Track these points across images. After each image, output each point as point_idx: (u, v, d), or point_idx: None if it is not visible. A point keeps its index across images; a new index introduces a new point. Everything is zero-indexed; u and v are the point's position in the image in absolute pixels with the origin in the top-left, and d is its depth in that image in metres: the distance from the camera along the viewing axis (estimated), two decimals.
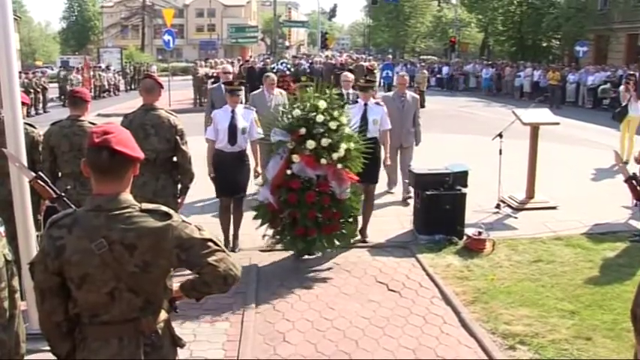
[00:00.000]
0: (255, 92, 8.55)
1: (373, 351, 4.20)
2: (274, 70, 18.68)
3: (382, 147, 6.55)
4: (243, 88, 6.51)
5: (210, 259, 2.01)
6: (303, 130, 5.32)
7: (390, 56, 41.93)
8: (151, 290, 2.05)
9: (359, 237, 6.25)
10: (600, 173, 9.74)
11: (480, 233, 6.22)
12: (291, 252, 5.87)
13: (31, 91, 20.47)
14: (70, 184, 4.55)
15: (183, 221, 2.05)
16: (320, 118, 5.33)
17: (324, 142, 5.30)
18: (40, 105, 21.88)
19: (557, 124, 8.08)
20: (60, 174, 4.79)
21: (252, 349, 4.21)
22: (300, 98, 5.63)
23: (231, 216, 6.14)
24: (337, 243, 5.69)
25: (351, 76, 8.79)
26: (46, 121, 5.37)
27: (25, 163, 3.86)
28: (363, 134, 5.96)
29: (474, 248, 6.09)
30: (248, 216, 5.99)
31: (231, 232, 6.16)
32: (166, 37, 21.40)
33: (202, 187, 5.87)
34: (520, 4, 36.42)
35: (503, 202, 7.66)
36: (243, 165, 6.04)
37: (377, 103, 6.62)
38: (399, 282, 5.39)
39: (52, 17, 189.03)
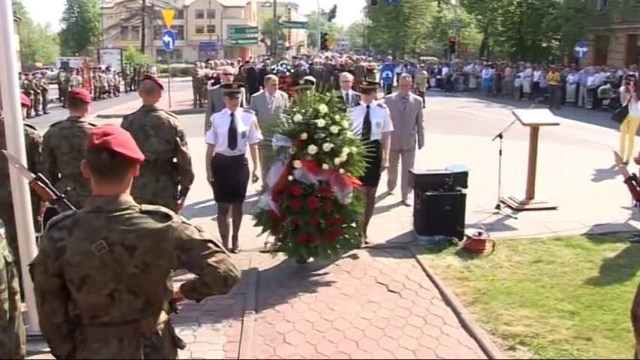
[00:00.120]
0: (256, 94, 8.52)
1: (373, 352, 4.20)
2: (274, 72, 18.68)
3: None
4: (241, 90, 6.42)
5: (211, 260, 2.01)
6: (304, 135, 5.24)
7: (390, 57, 42.01)
8: (151, 291, 2.05)
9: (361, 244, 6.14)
10: (600, 174, 9.74)
11: (480, 234, 6.22)
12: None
13: (31, 92, 20.48)
14: (69, 185, 4.55)
15: (184, 222, 2.06)
16: (321, 122, 5.26)
17: (326, 146, 5.23)
18: (40, 106, 21.89)
19: (557, 124, 8.07)
20: (60, 175, 4.79)
21: (252, 349, 4.21)
22: (300, 102, 5.54)
23: (230, 219, 6.10)
24: (340, 248, 5.62)
25: (350, 77, 8.78)
26: (46, 123, 5.37)
27: (25, 165, 3.86)
28: (366, 137, 5.89)
29: (473, 249, 6.09)
30: (247, 217, 5.99)
31: (231, 233, 6.12)
32: (166, 39, 21.42)
33: (202, 189, 5.86)
34: (520, 4, 36.44)
35: (503, 203, 7.66)
36: (243, 169, 5.99)
37: (379, 106, 6.54)
38: (399, 283, 5.39)
39: (51, 18, 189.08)
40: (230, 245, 6.07)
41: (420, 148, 8.09)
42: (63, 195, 2.54)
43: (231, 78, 8.57)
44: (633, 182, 5.47)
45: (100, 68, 30.06)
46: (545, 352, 4.13)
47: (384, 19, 52.42)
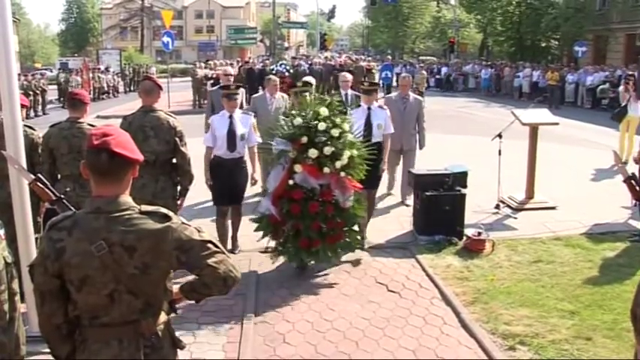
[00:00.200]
0: (256, 95, 8.49)
1: (373, 352, 4.20)
2: (273, 72, 18.68)
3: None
4: (239, 92, 6.32)
5: (210, 261, 2.01)
6: (304, 139, 5.17)
7: (389, 57, 42.02)
8: (150, 292, 2.05)
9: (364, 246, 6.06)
10: (599, 173, 9.75)
11: (479, 234, 6.22)
12: None
13: (30, 93, 20.46)
14: (69, 186, 4.55)
15: (183, 223, 2.06)
16: (322, 126, 5.18)
17: (327, 150, 5.16)
18: (40, 107, 21.87)
19: (557, 124, 8.08)
20: (59, 176, 4.79)
21: (252, 350, 4.21)
22: (300, 106, 5.49)
23: (229, 221, 6.06)
24: (341, 252, 5.57)
25: (349, 77, 8.76)
26: (46, 124, 5.37)
27: (25, 166, 3.86)
28: (367, 139, 5.84)
29: (473, 249, 6.09)
30: (247, 218, 5.99)
31: (230, 234, 6.10)
32: (165, 39, 21.44)
33: (201, 190, 5.85)
34: (519, 4, 36.45)
35: (503, 203, 7.66)
36: (242, 172, 5.93)
37: (380, 107, 6.46)
38: (398, 283, 5.39)
39: (51, 19, 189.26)
40: (229, 246, 6.06)
41: (420, 148, 8.03)
42: (62, 196, 2.54)
43: (232, 79, 8.49)
44: (632, 182, 5.46)
45: (99, 69, 30.06)
46: (545, 352, 4.13)
47: (383, 19, 52.44)
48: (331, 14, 56.95)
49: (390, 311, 4.82)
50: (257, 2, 77.38)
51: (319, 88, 5.60)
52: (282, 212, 5.27)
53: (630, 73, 14.95)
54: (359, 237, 5.73)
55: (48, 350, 2.18)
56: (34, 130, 4.87)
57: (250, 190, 6.21)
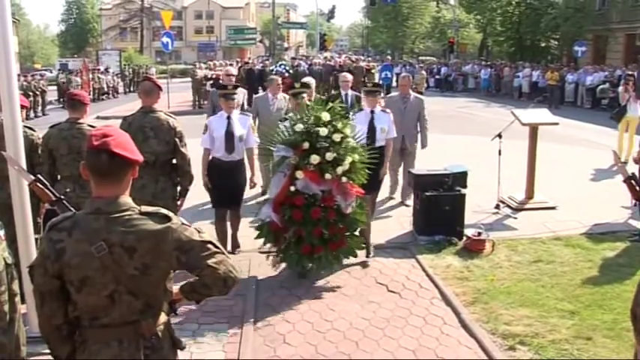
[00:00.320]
0: (258, 95, 8.47)
1: (373, 352, 4.20)
2: (273, 72, 18.68)
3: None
4: (237, 92, 6.22)
5: (210, 262, 2.01)
6: (306, 145, 5.09)
7: (389, 57, 42.01)
8: (150, 293, 2.05)
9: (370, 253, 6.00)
10: (599, 173, 9.75)
11: (479, 234, 6.22)
12: None
13: (30, 94, 20.46)
14: (69, 186, 4.55)
15: (183, 224, 2.06)
16: (324, 131, 5.09)
17: (329, 156, 5.07)
18: (39, 108, 21.88)
19: (556, 124, 8.08)
20: (59, 177, 4.79)
21: (252, 350, 4.21)
22: (298, 109, 5.40)
23: (228, 223, 5.99)
24: (343, 258, 5.50)
25: (349, 77, 8.76)
26: (45, 124, 5.37)
27: (25, 167, 3.86)
28: (371, 144, 5.74)
29: (473, 249, 6.09)
30: (247, 219, 5.98)
31: (229, 233, 6.04)
32: (165, 40, 21.45)
33: (201, 191, 5.82)
34: (518, 4, 36.47)
35: (503, 203, 7.66)
36: (241, 174, 5.83)
37: (383, 111, 6.27)
38: (398, 283, 5.39)
39: (50, 20, 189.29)
40: (229, 247, 6.02)
41: (423, 147, 8.00)
42: (62, 196, 2.54)
43: (233, 79, 8.46)
44: (632, 182, 5.46)
45: (98, 69, 30.04)
46: (545, 352, 4.13)
47: (382, 20, 52.45)
48: (331, 14, 57.09)
49: (390, 311, 4.82)
50: (257, 3, 77.38)
51: (319, 88, 5.56)
52: (283, 219, 5.19)
53: (630, 73, 14.97)
54: (362, 243, 5.66)
55: (48, 351, 2.18)
56: (33, 130, 4.87)
57: (250, 192, 6.19)
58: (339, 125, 5.20)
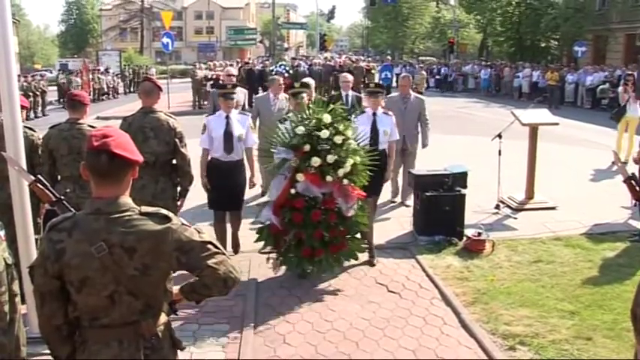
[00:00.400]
0: (259, 95, 8.45)
1: (373, 352, 4.21)
2: (273, 73, 18.68)
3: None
4: (236, 92, 6.12)
5: (210, 262, 2.01)
6: (307, 147, 5.02)
7: (389, 57, 42.01)
8: (150, 293, 2.05)
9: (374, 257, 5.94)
10: (599, 173, 9.75)
11: (479, 234, 6.22)
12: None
13: (30, 94, 20.46)
14: (69, 187, 4.56)
15: (183, 224, 2.06)
16: (325, 133, 5.01)
17: (330, 158, 5.00)
18: (40, 108, 21.88)
19: (556, 124, 8.08)
20: (59, 177, 4.79)
21: (252, 350, 4.21)
22: (298, 109, 5.34)
23: (228, 224, 5.90)
24: (343, 260, 5.44)
25: (350, 78, 8.74)
26: (45, 125, 5.37)
27: (25, 167, 3.86)
28: (374, 147, 5.64)
29: (473, 249, 6.09)
30: (246, 217, 5.97)
31: (229, 234, 5.96)
32: (165, 40, 21.45)
33: (201, 191, 5.79)
34: (518, 4, 36.48)
35: (503, 203, 7.66)
36: (241, 175, 5.75)
37: (385, 113, 6.15)
38: (398, 283, 5.39)
39: (50, 20, 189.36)
40: (229, 247, 5.96)
41: (423, 147, 7.99)
42: (62, 197, 2.54)
43: (234, 79, 8.44)
44: (632, 182, 5.46)
45: (98, 70, 30.04)
46: (545, 352, 4.13)
47: (382, 20, 52.46)
48: (331, 15, 57.14)
49: (390, 311, 4.82)
50: (257, 3, 77.39)
51: (319, 89, 5.52)
52: (283, 221, 5.14)
53: (629, 73, 14.96)
54: (364, 244, 5.63)
55: (48, 351, 2.18)
56: (34, 131, 4.88)
57: (249, 193, 6.17)
58: (341, 127, 5.13)
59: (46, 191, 2.58)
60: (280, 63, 25.81)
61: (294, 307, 4.91)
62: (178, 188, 5.18)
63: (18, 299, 2.18)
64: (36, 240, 4.05)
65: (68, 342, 2.11)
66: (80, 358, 2.08)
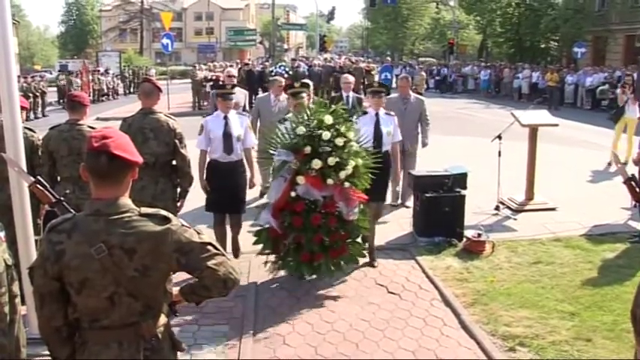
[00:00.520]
0: (260, 96, 8.44)
1: (373, 353, 4.20)
2: (273, 74, 18.68)
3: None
4: (235, 92, 6.06)
5: (210, 263, 2.01)
6: (308, 149, 4.91)
7: (389, 58, 42.01)
8: (150, 294, 2.05)
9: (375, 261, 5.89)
10: (599, 174, 9.76)
11: (479, 235, 6.22)
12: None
13: (30, 95, 20.47)
14: (69, 188, 4.56)
15: (183, 225, 2.06)
16: (326, 135, 4.91)
17: (331, 161, 4.89)
18: (39, 109, 21.89)
19: (556, 125, 8.08)
20: (59, 178, 4.79)
21: (252, 351, 4.21)
22: (298, 108, 5.29)
23: (227, 226, 5.79)
24: (344, 265, 5.34)
25: (351, 79, 8.73)
26: (45, 126, 5.37)
27: (25, 168, 3.86)
28: (378, 149, 5.58)
29: (473, 250, 6.09)
30: (246, 219, 5.96)
31: (229, 239, 5.83)
32: (165, 41, 21.45)
33: (201, 193, 5.76)
34: (518, 5, 36.54)
35: (503, 204, 7.66)
36: (241, 176, 5.66)
37: (387, 113, 6.06)
38: (398, 284, 5.39)
39: (50, 21, 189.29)
40: (229, 250, 5.81)
41: (423, 146, 7.97)
42: (62, 198, 2.53)
43: (235, 80, 8.42)
44: (632, 183, 5.46)
45: (98, 71, 30.04)
46: (545, 353, 4.13)
47: (382, 21, 52.48)
48: (330, 16, 57.10)
49: (389, 313, 4.82)
50: (256, 4, 77.43)
51: (318, 90, 5.48)
52: (283, 225, 5.04)
53: (628, 74, 14.97)
54: (364, 250, 5.56)
55: (48, 352, 2.18)
56: (34, 132, 4.87)
57: (249, 194, 6.14)
58: (342, 129, 5.03)
59: (46, 192, 2.58)
60: (280, 64, 25.79)
61: (293, 308, 4.91)
62: (178, 189, 5.18)
63: (18, 300, 2.18)
64: (36, 241, 4.04)
65: (68, 343, 2.11)
66: (80, 358, 2.08)
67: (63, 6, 73.27)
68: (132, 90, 30.73)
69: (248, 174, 5.82)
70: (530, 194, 7.77)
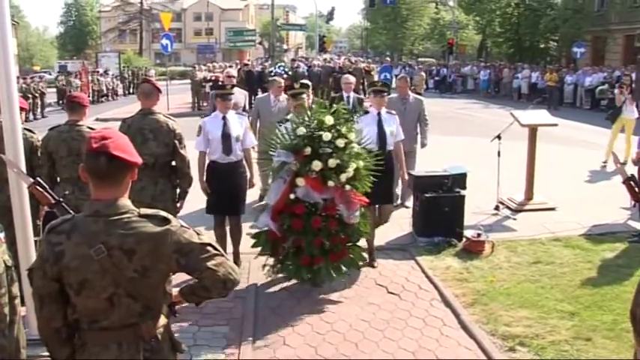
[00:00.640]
0: (259, 96, 8.43)
1: (373, 353, 4.20)
2: (272, 74, 18.67)
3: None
4: (234, 92, 6.01)
5: (210, 264, 2.01)
6: (308, 150, 4.83)
7: (388, 59, 42.02)
8: (150, 295, 2.05)
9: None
10: (598, 174, 9.76)
11: (479, 235, 6.22)
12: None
13: (29, 96, 20.45)
14: (68, 189, 4.56)
15: (182, 226, 2.06)
16: (327, 136, 4.83)
17: (332, 162, 4.81)
18: (39, 110, 21.87)
19: (556, 125, 8.09)
20: (58, 179, 4.78)
21: (252, 352, 4.21)
22: (299, 109, 5.26)
23: (227, 227, 5.71)
24: (344, 269, 5.23)
25: (352, 79, 8.72)
26: (45, 126, 5.37)
27: (24, 169, 3.85)
28: (382, 149, 5.52)
29: (473, 250, 6.09)
30: (246, 219, 5.95)
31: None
32: (164, 42, 21.48)
33: (201, 194, 5.74)
34: (517, 5, 36.56)
35: (502, 204, 7.67)
36: (241, 176, 5.60)
37: (389, 113, 5.99)
38: (398, 284, 5.39)
39: (49, 22, 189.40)
40: (229, 252, 5.83)
41: (422, 147, 7.97)
42: (61, 199, 2.53)
43: (234, 80, 8.42)
44: (632, 183, 5.47)
45: (98, 72, 30.05)
46: (545, 353, 4.13)
47: (381, 21, 52.47)
48: (330, 16, 57.17)
49: (389, 313, 4.82)
50: (256, 4, 77.41)
51: (317, 90, 5.46)
52: (282, 228, 4.95)
53: (626, 74, 14.99)
54: (364, 254, 5.49)
55: (47, 353, 2.18)
56: (33, 133, 4.87)
57: (249, 195, 6.12)
58: (344, 130, 4.95)
59: (45, 193, 2.58)
60: (279, 64, 25.79)
61: (293, 309, 4.91)
62: (178, 190, 5.17)
63: (17, 301, 2.18)
64: (35, 242, 4.04)
65: (67, 344, 2.11)
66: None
67: (62, 7, 73.56)
68: (131, 91, 30.71)
69: (248, 174, 5.77)
70: (529, 194, 7.77)
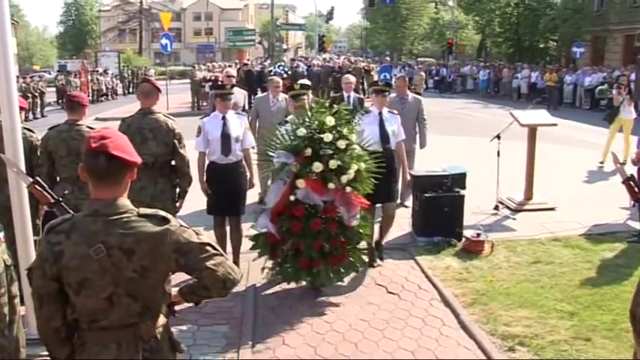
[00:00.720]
0: (259, 96, 8.42)
1: (372, 353, 4.20)
2: (272, 74, 18.66)
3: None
4: (233, 92, 5.97)
5: (209, 263, 2.01)
6: (308, 151, 4.77)
7: (388, 58, 42.05)
8: (149, 295, 2.05)
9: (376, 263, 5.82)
10: (598, 174, 9.76)
11: (478, 235, 6.22)
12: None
13: (29, 95, 20.44)
14: (68, 188, 4.56)
15: (181, 226, 2.06)
16: (328, 137, 4.77)
17: (333, 164, 4.74)
18: (38, 109, 21.87)
19: (555, 125, 8.08)
20: (58, 179, 4.79)
21: (251, 352, 4.21)
22: (299, 111, 5.22)
23: (227, 227, 5.66)
24: (344, 273, 5.18)
25: (352, 79, 8.72)
26: (44, 126, 5.36)
27: (24, 169, 3.85)
28: (387, 149, 5.53)
29: (472, 250, 6.09)
30: (245, 220, 5.94)
31: (229, 243, 5.68)
32: (164, 41, 21.46)
33: (201, 195, 5.72)
34: (517, 5, 36.56)
35: (502, 204, 7.67)
36: (241, 177, 5.54)
37: (390, 112, 5.91)
38: (398, 284, 5.39)
39: (49, 21, 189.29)
40: (229, 252, 5.82)
41: (421, 147, 7.98)
42: (61, 198, 2.53)
43: (234, 80, 8.41)
44: (631, 183, 5.47)
45: (97, 71, 30.03)
46: (544, 353, 4.13)
47: (381, 21, 52.51)
48: (329, 16, 56.97)
49: (389, 313, 4.82)
50: (255, 4, 77.38)
51: (317, 90, 5.43)
52: (281, 230, 4.88)
53: (624, 74, 15.00)
54: (365, 257, 5.47)
55: (47, 353, 2.18)
56: (32, 132, 4.87)
57: (248, 196, 6.10)
58: (345, 131, 4.90)
59: (45, 193, 2.58)
60: (279, 64, 25.76)
61: (293, 309, 4.91)
62: (177, 189, 5.17)
63: (17, 301, 2.18)
64: (35, 242, 4.04)
65: (67, 344, 2.11)
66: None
67: (62, 6, 73.19)
68: (131, 90, 30.69)
69: (248, 175, 5.73)
70: (529, 194, 7.78)
